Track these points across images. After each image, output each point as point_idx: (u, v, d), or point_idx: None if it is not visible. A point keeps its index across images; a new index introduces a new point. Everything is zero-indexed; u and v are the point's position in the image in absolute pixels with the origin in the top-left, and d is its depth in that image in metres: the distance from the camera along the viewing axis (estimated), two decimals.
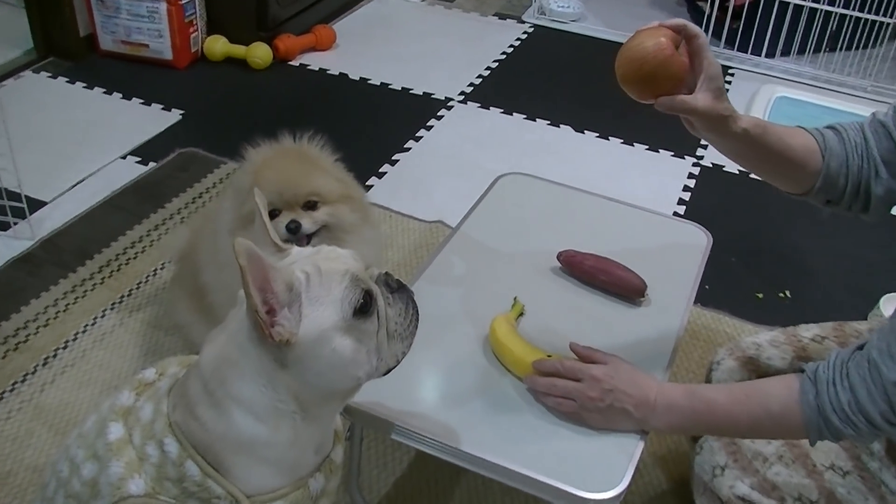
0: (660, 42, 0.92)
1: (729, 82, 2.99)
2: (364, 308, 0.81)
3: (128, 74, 2.78)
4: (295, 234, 1.27)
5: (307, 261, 0.82)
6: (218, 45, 2.89)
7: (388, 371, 0.87)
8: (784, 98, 2.82)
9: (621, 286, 1.24)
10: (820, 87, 2.98)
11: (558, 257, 1.30)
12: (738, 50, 3.13)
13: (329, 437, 0.92)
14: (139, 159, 2.34)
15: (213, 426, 0.81)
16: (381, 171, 2.37)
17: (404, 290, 0.88)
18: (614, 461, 0.99)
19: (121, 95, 2.66)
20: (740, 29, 3.09)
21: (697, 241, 1.40)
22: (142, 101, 2.64)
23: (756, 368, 1.25)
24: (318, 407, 0.84)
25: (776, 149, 1.02)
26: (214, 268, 1.39)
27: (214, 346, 0.83)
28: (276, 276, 0.76)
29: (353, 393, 0.87)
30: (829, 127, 1.06)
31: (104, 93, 2.67)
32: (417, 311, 0.89)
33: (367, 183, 2.28)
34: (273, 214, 1.26)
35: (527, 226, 1.42)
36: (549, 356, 1.07)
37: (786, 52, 3.11)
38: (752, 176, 2.42)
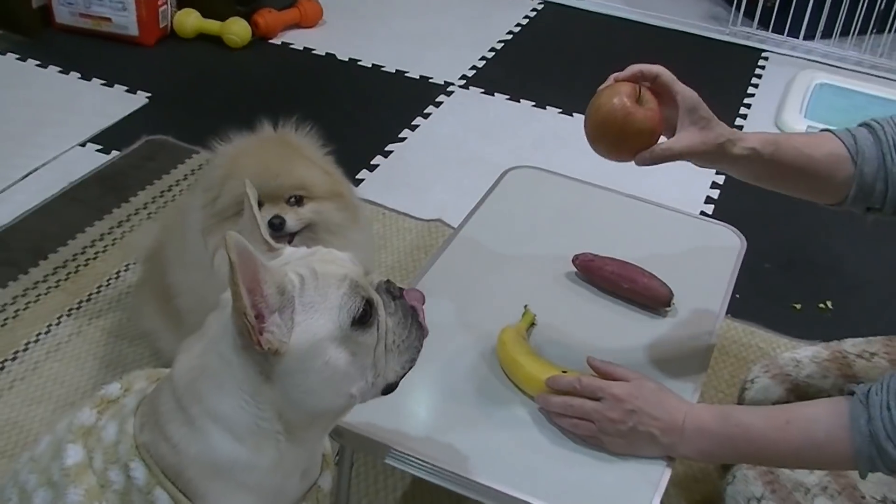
0: (617, 100, 0.97)
1: (762, 67, 3.00)
2: (363, 318, 0.80)
3: (87, 51, 2.77)
4: (278, 232, 1.27)
5: (301, 262, 0.82)
6: (190, 21, 2.89)
7: (389, 388, 0.87)
8: (825, 85, 2.82)
9: (644, 294, 1.24)
10: (866, 73, 2.98)
11: (574, 262, 1.30)
12: (774, 31, 3.14)
13: (316, 462, 0.92)
14: (100, 147, 2.34)
15: (186, 447, 0.80)
16: (372, 163, 2.37)
17: (405, 299, 0.88)
18: (637, 491, 0.99)
19: (79, 75, 2.66)
20: (776, 8, 3.10)
21: (729, 244, 1.41)
22: (103, 81, 2.64)
23: (795, 388, 1.25)
24: (304, 427, 0.83)
25: (796, 164, 1.03)
26: (181, 268, 1.39)
27: (190, 355, 0.82)
28: (267, 278, 0.76)
29: (345, 413, 0.87)
30: (863, 124, 1.06)
31: (60, 72, 2.67)
32: (420, 322, 0.88)
33: (357, 177, 2.28)
34: None
35: (538, 226, 1.41)
36: (563, 372, 1.07)
37: (827, 34, 3.11)
38: None
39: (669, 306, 1.24)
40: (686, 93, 0.99)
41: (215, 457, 0.80)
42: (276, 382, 0.79)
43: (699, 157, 1.00)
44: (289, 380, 0.79)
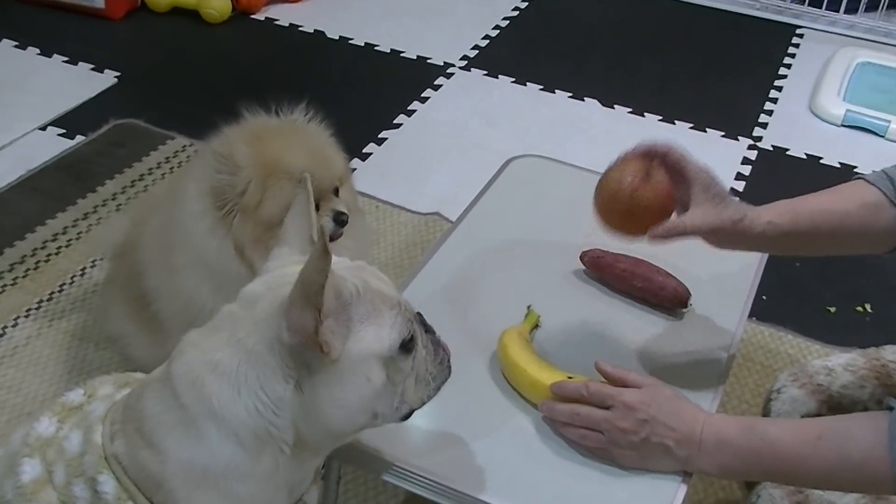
0: (625, 178, 1.06)
1: (797, 45, 3.00)
2: (408, 344, 0.86)
3: (47, 25, 2.78)
4: (343, 227, 1.32)
5: (351, 273, 0.85)
6: None
7: (410, 414, 0.92)
8: (868, 64, 2.82)
9: (659, 294, 1.26)
10: None
11: (582, 258, 1.31)
12: (810, 5, 3.14)
13: (307, 478, 0.94)
14: (63, 131, 2.35)
15: (175, 453, 0.82)
16: (365, 151, 2.38)
17: (434, 334, 0.94)
18: None
19: (38, 51, 2.67)
20: None
21: None
22: (66, 58, 2.65)
23: (828, 399, 1.26)
24: (315, 441, 0.86)
25: (821, 227, 1.06)
26: (164, 271, 1.39)
27: (200, 351, 0.84)
28: (329, 280, 0.78)
29: (356, 433, 0.92)
30: None
31: (16, 46, 2.68)
32: (449, 357, 0.95)
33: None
34: None
35: (544, 220, 1.43)
36: (570, 378, 1.08)
37: (872, 7, 3.10)
38: (824, 162, 2.44)
39: (687, 307, 1.25)
40: (700, 168, 1.06)
41: (209, 462, 0.82)
42: (305, 392, 0.81)
43: (713, 233, 1.06)
44: (324, 390, 0.81)
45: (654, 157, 1.08)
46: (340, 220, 1.31)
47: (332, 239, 1.32)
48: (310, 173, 1.24)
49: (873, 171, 1.10)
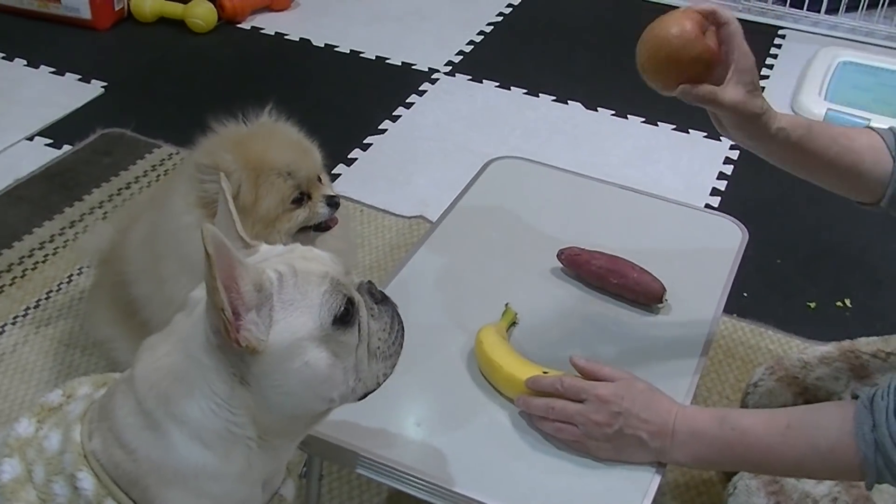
0: (683, 25, 1.01)
1: (779, 46, 3.03)
2: (345, 317, 0.84)
3: (33, 35, 2.79)
4: (336, 209, 1.37)
5: (279, 259, 0.86)
6: (149, 3, 2.91)
7: (366, 395, 0.90)
8: (849, 64, 2.84)
9: (635, 290, 1.27)
10: None
11: (559, 256, 1.32)
12: (792, 6, 3.16)
13: (281, 470, 0.95)
14: (50, 141, 2.36)
15: (146, 454, 0.83)
16: (350, 157, 2.40)
17: (388, 303, 0.93)
18: (625, 499, 1.01)
19: (25, 62, 2.68)
20: None
21: (730, 236, 1.43)
22: (52, 69, 2.66)
23: (803, 392, 1.27)
24: (279, 433, 0.87)
25: (828, 153, 1.07)
26: (154, 280, 1.40)
27: (154, 356, 0.85)
28: (244, 274, 0.79)
29: (322, 419, 0.90)
30: None
31: (3, 58, 2.69)
32: (403, 326, 0.93)
33: (333, 171, 2.31)
34: (300, 199, 1.34)
35: (522, 219, 1.44)
36: (545, 372, 1.10)
37: (853, 7, 3.13)
38: None
39: (662, 302, 1.27)
40: (747, 52, 1.02)
41: (179, 464, 0.82)
42: (252, 385, 0.82)
43: (735, 118, 1.03)
44: (267, 381, 0.82)
45: (714, 21, 1.03)
46: (334, 202, 1.37)
47: (328, 225, 1.39)
48: (295, 165, 1.33)
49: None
